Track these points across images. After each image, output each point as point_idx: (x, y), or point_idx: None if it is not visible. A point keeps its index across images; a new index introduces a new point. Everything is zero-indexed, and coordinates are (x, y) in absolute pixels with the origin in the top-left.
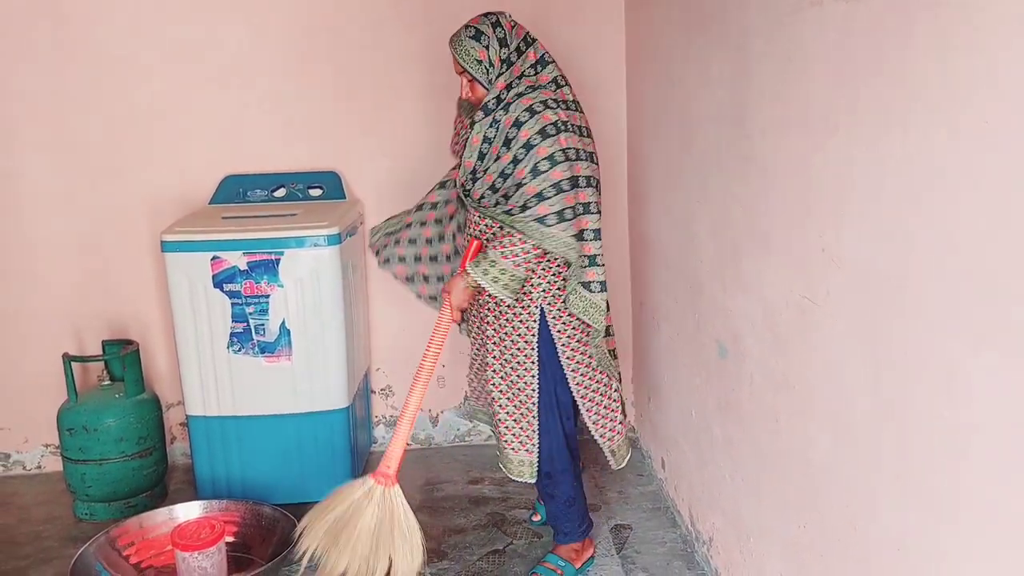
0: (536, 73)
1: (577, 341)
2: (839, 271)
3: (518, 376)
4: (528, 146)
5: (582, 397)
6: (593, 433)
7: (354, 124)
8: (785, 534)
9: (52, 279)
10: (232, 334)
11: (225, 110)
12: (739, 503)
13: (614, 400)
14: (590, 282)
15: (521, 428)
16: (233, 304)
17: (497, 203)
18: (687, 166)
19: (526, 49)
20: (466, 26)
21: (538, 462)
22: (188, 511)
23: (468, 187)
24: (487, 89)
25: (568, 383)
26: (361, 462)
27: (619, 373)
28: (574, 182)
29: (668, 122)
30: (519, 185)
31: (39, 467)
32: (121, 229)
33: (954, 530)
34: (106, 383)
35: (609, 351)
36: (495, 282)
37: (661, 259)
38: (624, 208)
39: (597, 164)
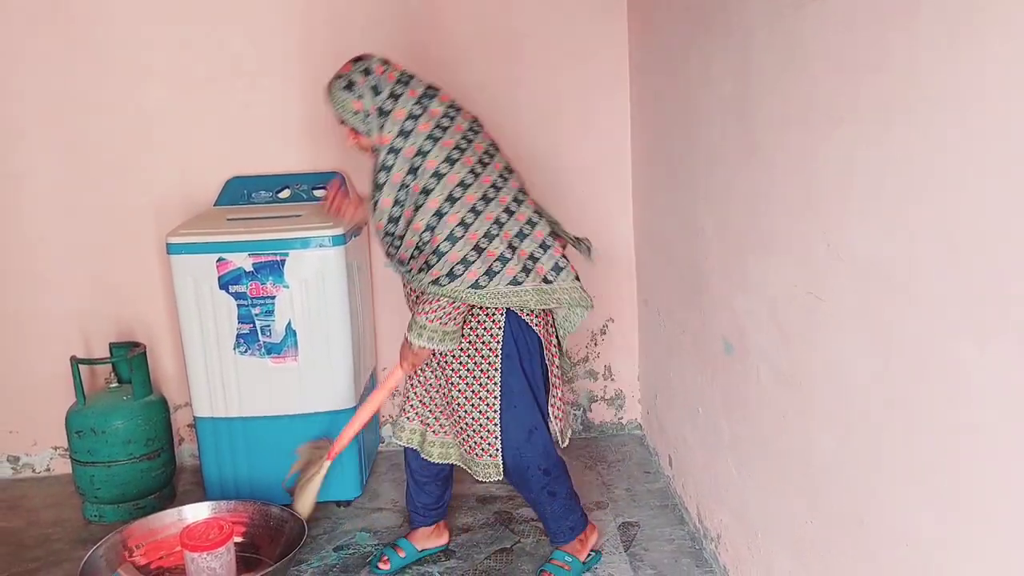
0: (424, 110)
1: (550, 334)
2: (844, 267)
3: (485, 380)
4: (439, 214)
5: (554, 386)
6: (550, 419)
7: None
8: (793, 530)
9: (59, 282)
10: (238, 335)
11: (229, 111)
12: (746, 500)
13: (562, 386)
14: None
15: (488, 431)
16: (239, 305)
17: (422, 269)
18: (691, 162)
19: (403, 90)
20: (337, 76)
21: (503, 462)
22: (197, 512)
23: (392, 252)
24: (370, 138)
25: (548, 375)
26: (369, 461)
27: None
28: (497, 230)
29: (672, 118)
30: (439, 254)
31: (48, 469)
32: (127, 231)
33: (961, 526)
34: (114, 385)
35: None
36: (430, 341)
37: (666, 256)
38: (629, 205)
39: (509, 172)
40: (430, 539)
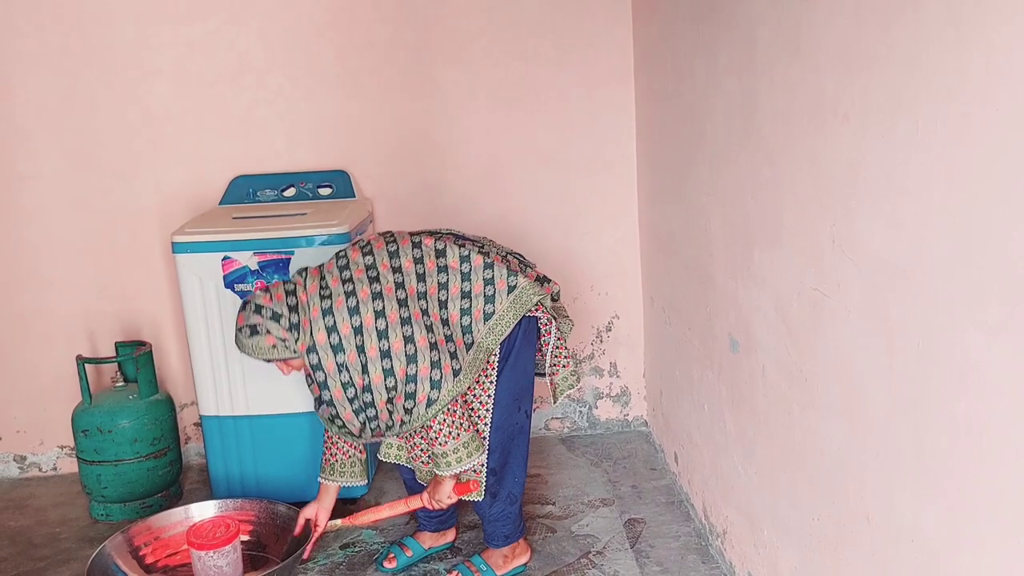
0: (315, 300)
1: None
2: (850, 262)
3: (477, 406)
4: (385, 353)
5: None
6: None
7: (363, 122)
8: (799, 527)
9: (65, 281)
10: None
11: (234, 110)
12: (752, 496)
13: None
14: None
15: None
16: None
17: (407, 410)
18: (697, 158)
19: (295, 299)
20: (238, 329)
21: (486, 475)
22: (203, 510)
23: (374, 426)
24: (297, 356)
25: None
26: (374, 459)
27: (566, 316)
28: (428, 320)
29: (677, 114)
30: (412, 378)
31: (55, 469)
32: (132, 231)
33: (968, 522)
34: (120, 384)
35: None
36: (460, 462)
37: (672, 253)
38: (634, 202)
39: (397, 256)
40: (437, 538)
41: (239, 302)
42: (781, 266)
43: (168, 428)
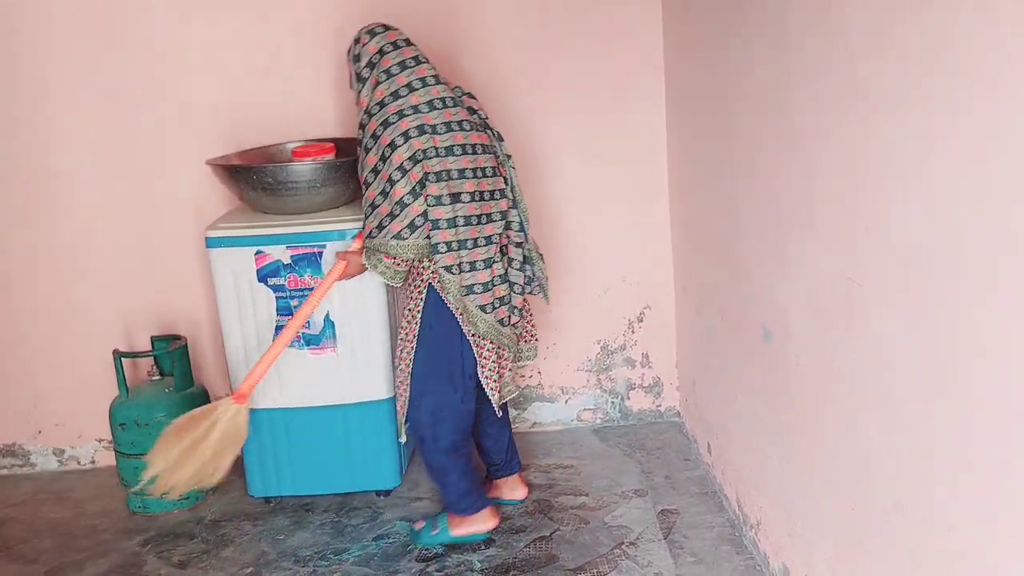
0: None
1: (462, 313)
2: (885, 251)
3: (404, 344)
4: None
5: (476, 356)
6: (484, 385)
7: None
8: (833, 517)
9: (100, 277)
10: (277, 327)
11: (268, 105)
12: (786, 487)
13: (495, 362)
14: (450, 265)
15: (399, 393)
16: (278, 298)
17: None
18: (728, 147)
19: (379, 59)
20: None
21: (408, 424)
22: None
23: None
24: (358, 97)
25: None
26: (408, 451)
27: (510, 341)
28: (415, 191)
29: (708, 103)
30: (403, 204)
31: (93, 462)
32: (167, 226)
33: (1001, 514)
34: (156, 378)
35: (499, 320)
36: (383, 275)
37: (703, 242)
38: (665, 192)
39: (476, 153)
40: (502, 487)
41: (272, 296)
42: (814, 255)
43: None
